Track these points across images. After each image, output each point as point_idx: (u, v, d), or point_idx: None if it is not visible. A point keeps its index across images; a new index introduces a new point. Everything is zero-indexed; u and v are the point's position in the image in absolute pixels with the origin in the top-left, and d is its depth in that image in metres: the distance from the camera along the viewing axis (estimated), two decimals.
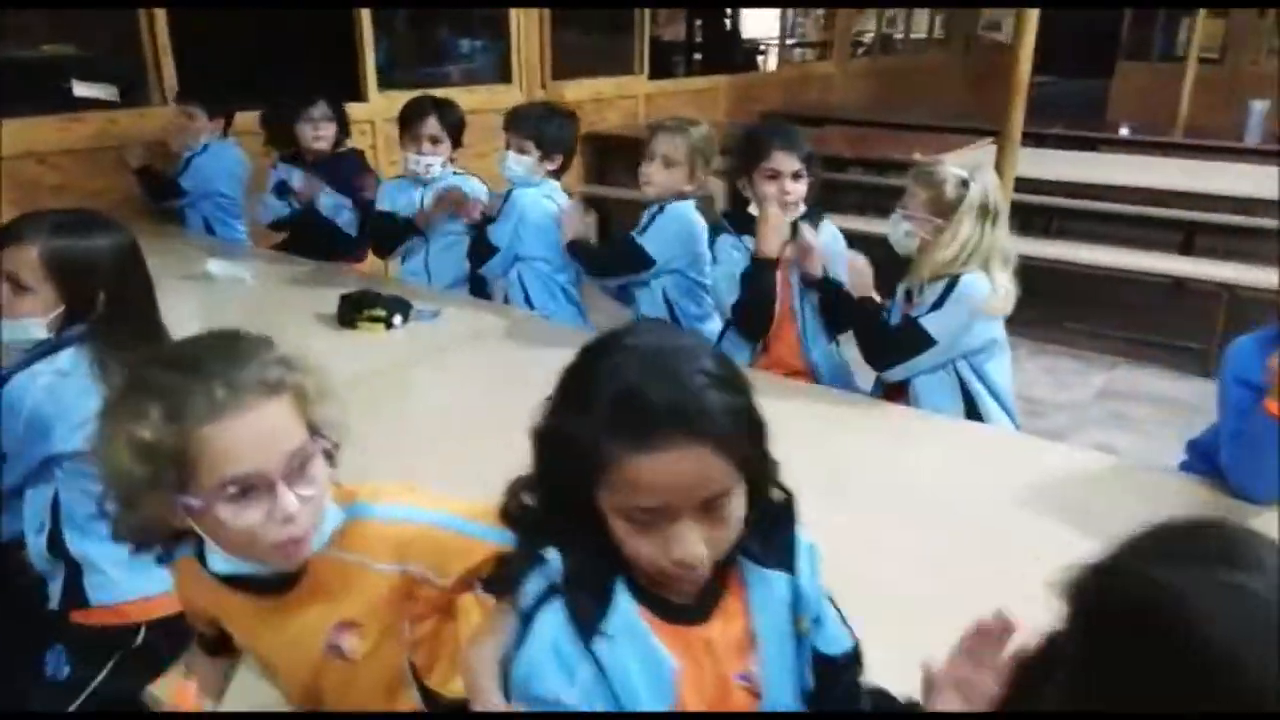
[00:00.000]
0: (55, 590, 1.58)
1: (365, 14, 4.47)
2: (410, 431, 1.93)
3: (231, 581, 1.03)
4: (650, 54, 6.34)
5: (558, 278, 2.85)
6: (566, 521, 0.86)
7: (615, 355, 0.83)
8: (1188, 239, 5.13)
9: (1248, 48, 8.70)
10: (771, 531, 0.90)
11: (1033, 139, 5.75)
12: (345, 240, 3.34)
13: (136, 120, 3.79)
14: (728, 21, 9.45)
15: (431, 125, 2.91)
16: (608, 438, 0.79)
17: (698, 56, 8.28)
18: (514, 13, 5.25)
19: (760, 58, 10.52)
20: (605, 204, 5.36)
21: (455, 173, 3.06)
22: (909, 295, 2.10)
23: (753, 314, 2.22)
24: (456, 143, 3.01)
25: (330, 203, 3.26)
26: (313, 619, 1.05)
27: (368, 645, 1.06)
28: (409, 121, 2.93)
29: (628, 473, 0.78)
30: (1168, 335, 4.36)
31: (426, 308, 2.59)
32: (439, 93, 4.60)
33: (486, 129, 5.00)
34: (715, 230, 2.36)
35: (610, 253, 2.81)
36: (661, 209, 2.55)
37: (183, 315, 1.98)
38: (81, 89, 5.40)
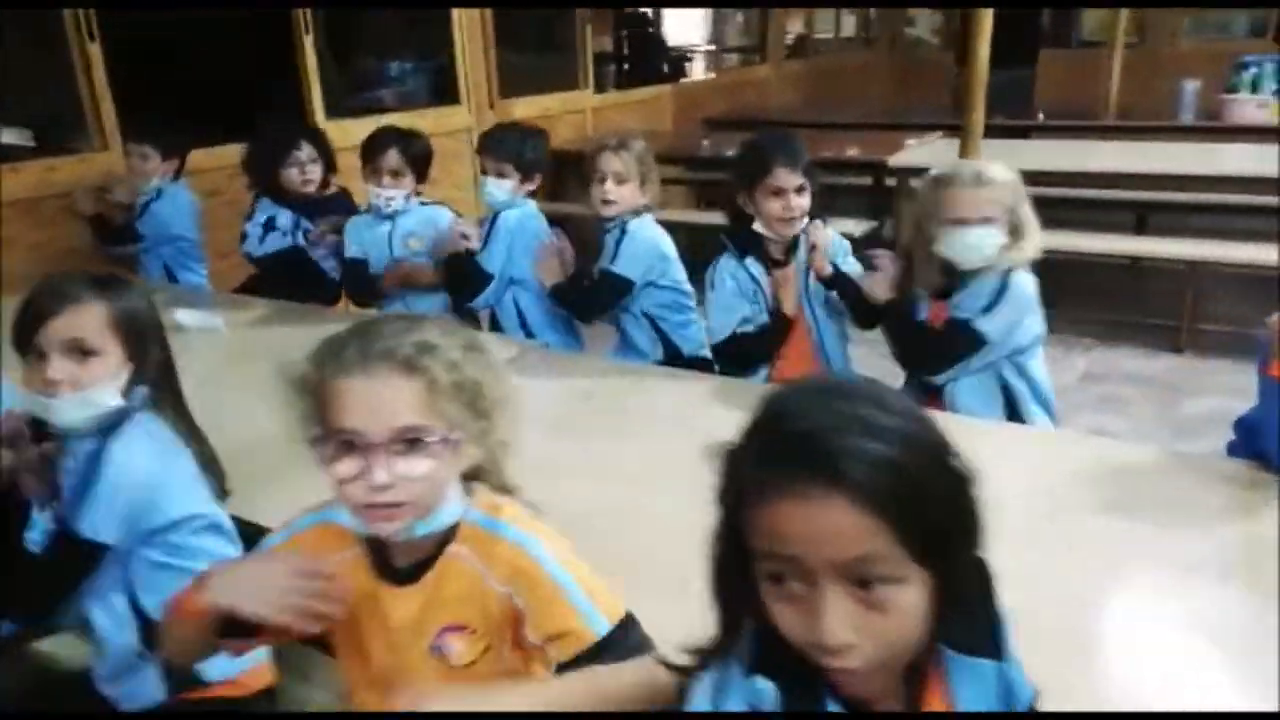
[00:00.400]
0: (144, 683, 1.44)
1: (308, 40, 4.32)
2: None
3: (369, 552, 1.09)
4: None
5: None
6: (733, 592, 0.79)
7: (787, 392, 0.77)
8: (1140, 219, 5.24)
9: (1165, 29, 8.97)
10: (971, 609, 0.78)
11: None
12: (327, 284, 3.21)
13: (76, 166, 3.60)
14: (651, 29, 9.46)
15: (392, 158, 2.83)
16: (747, 468, 0.74)
17: (625, 67, 8.26)
18: (457, 32, 5.13)
19: (688, 64, 10.58)
20: (570, 222, 5.27)
21: (423, 203, 2.97)
22: (939, 295, 2.03)
23: (753, 357, 2.18)
24: (421, 176, 2.93)
25: (324, 250, 3.15)
26: (425, 614, 1.09)
27: (471, 654, 1.09)
28: (370, 154, 2.86)
29: (760, 512, 0.72)
30: (1135, 314, 4.44)
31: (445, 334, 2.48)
32: (390, 119, 4.54)
33: (442, 154, 4.91)
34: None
35: (594, 292, 2.66)
36: (624, 231, 2.50)
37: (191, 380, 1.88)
38: None
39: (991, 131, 6.09)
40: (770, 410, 0.75)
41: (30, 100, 4.20)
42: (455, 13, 5.10)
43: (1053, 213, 5.34)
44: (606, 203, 2.47)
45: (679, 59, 10.43)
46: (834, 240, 2.27)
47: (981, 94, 3.86)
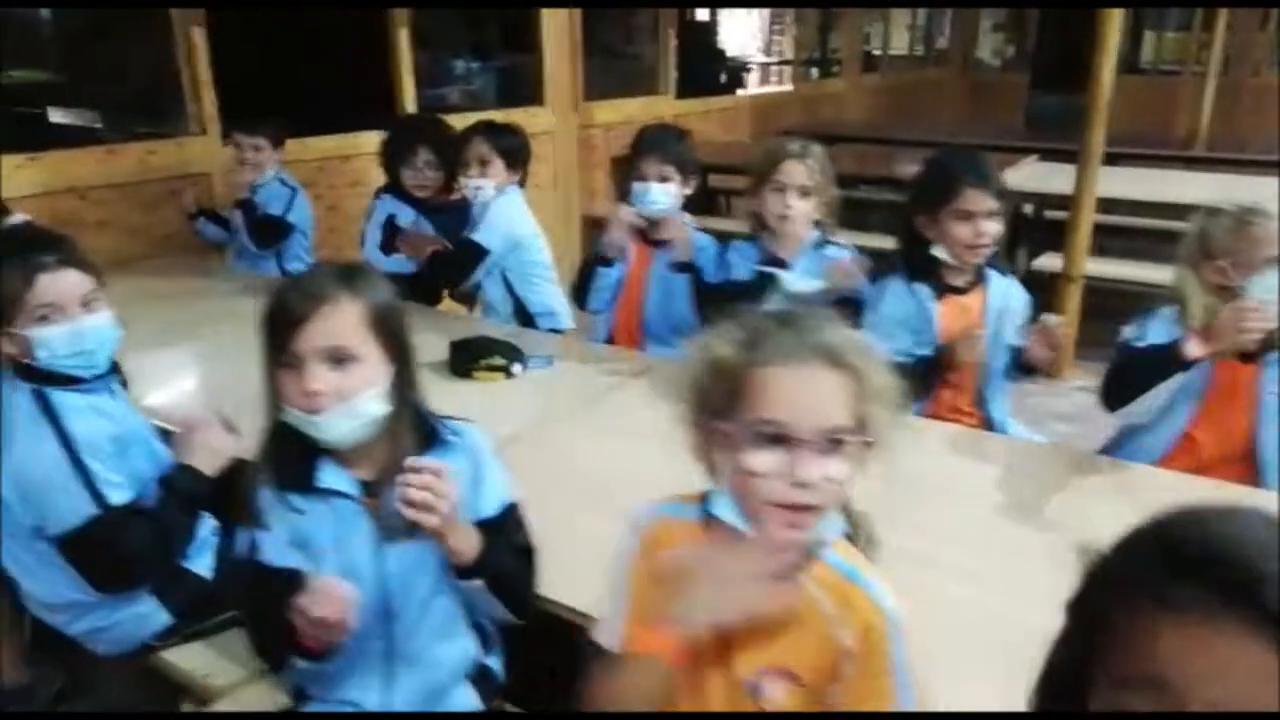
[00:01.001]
0: None
1: (404, 35, 4.27)
2: (581, 500, 1.73)
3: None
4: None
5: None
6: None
7: (1198, 508, 0.63)
8: None
9: (1248, 60, 8.74)
10: None
11: (1050, 155, 5.70)
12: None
13: (175, 150, 3.56)
14: (710, 38, 9.35)
15: (480, 148, 2.80)
16: (1144, 582, 0.60)
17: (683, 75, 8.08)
18: (545, 32, 5.06)
19: (745, 75, 10.47)
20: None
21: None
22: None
23: (931, 377, 2.03)
24: (513, 168, 2.87)
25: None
26: (753, 644, 1.01)
27: (788, 705, 1.01)
28: (461, 145, 2.83)
29: (1142, 632, 0.59)
30: None
31: (539, 353, 2.39)
32: (476, 117, 4.48)
33: None
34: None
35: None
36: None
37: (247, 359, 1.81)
38: (58, 115, 5.19)
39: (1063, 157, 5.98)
40: (1179, 523, 0.63)
41: (130, 82, 4.21)
42: (544, 12, 5.03)
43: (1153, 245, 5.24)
44: (784, 218, 2.27)
45: (737, 70, 10.36)
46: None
47: (1103, 115, 3.73)
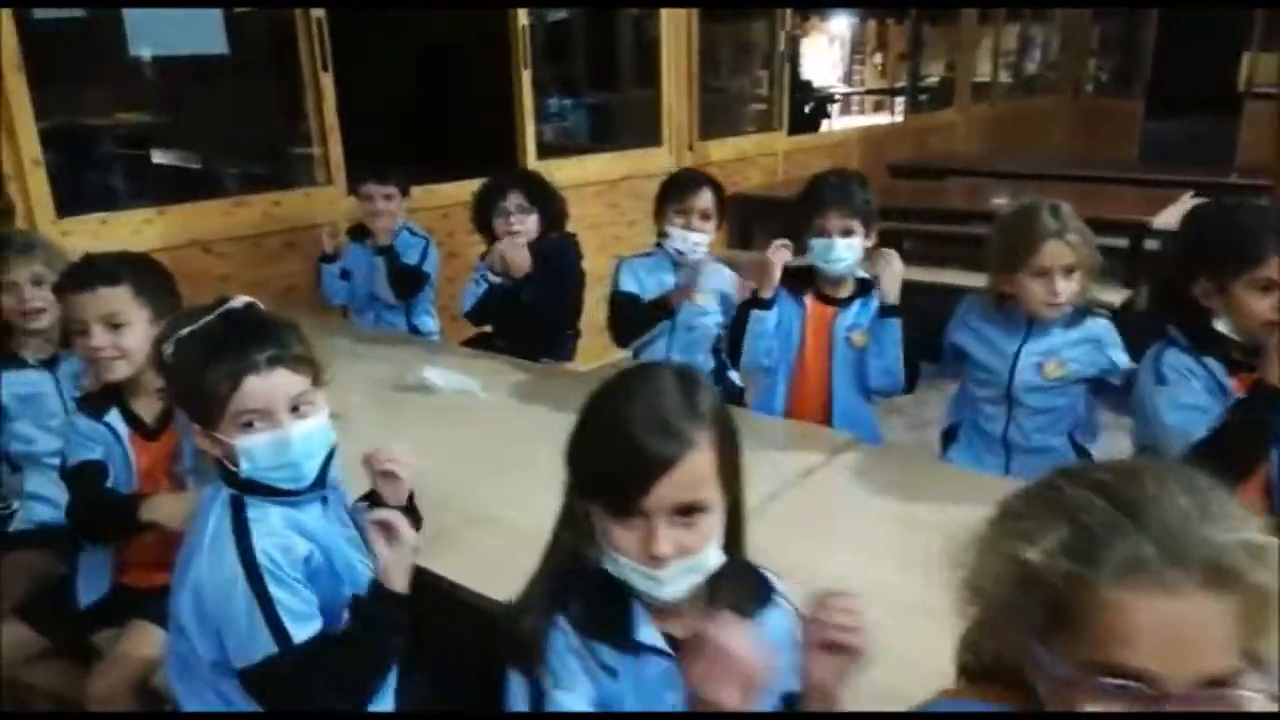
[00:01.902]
0: None
1: (526, 77, 4.10)
2: None
3: None
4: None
5: None
6: None
7: None
8: None
9: None
10: None
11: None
12: (557, 338, 2.92)
13: (301, 201, 3.42)
14: (794, 68, 9.09)
15: (705, 199, 2.55)
16: None
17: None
18: (665, 68, 4.86)
19: (831, 105, 10.18)
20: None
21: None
22: None
23: (1240, 450, 1.69)
24: (721, 220, 2.66)
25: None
26: None
27: None
28: (681, 193, 2.58)
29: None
30: None
31: None
32: (594, 160, 4.30)
33: (636, 195, 4.65)
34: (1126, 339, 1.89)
35: None
36: None
37: (416, 442, 1.60)
38: (160, 157, 5.17)
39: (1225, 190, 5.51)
40: None
41: (256, 132, 4.14)
42: (665, 44, 4.83)
43: None
44: (1052, 305, 1.93)
45: (821, 101, 10.07)
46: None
47: None
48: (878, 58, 11.69)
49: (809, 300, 2.34)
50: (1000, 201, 5.24)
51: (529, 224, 2.89)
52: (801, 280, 2.34)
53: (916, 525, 1.67)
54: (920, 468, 2.04)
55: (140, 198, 4.12)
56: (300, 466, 1.34)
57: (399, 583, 1.36)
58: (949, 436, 2.19)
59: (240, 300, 1.37)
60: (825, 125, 8.95)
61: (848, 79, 11.52)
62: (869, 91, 11.11)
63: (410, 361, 2.71)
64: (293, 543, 1.35)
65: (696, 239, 2.55)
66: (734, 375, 2.71)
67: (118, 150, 4.71)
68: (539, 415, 2.34)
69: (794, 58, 8.59)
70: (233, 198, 3.30)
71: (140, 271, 1.75)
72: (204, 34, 3.14)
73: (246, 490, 1.33)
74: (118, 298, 1.69)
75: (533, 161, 4.17)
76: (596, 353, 3.35)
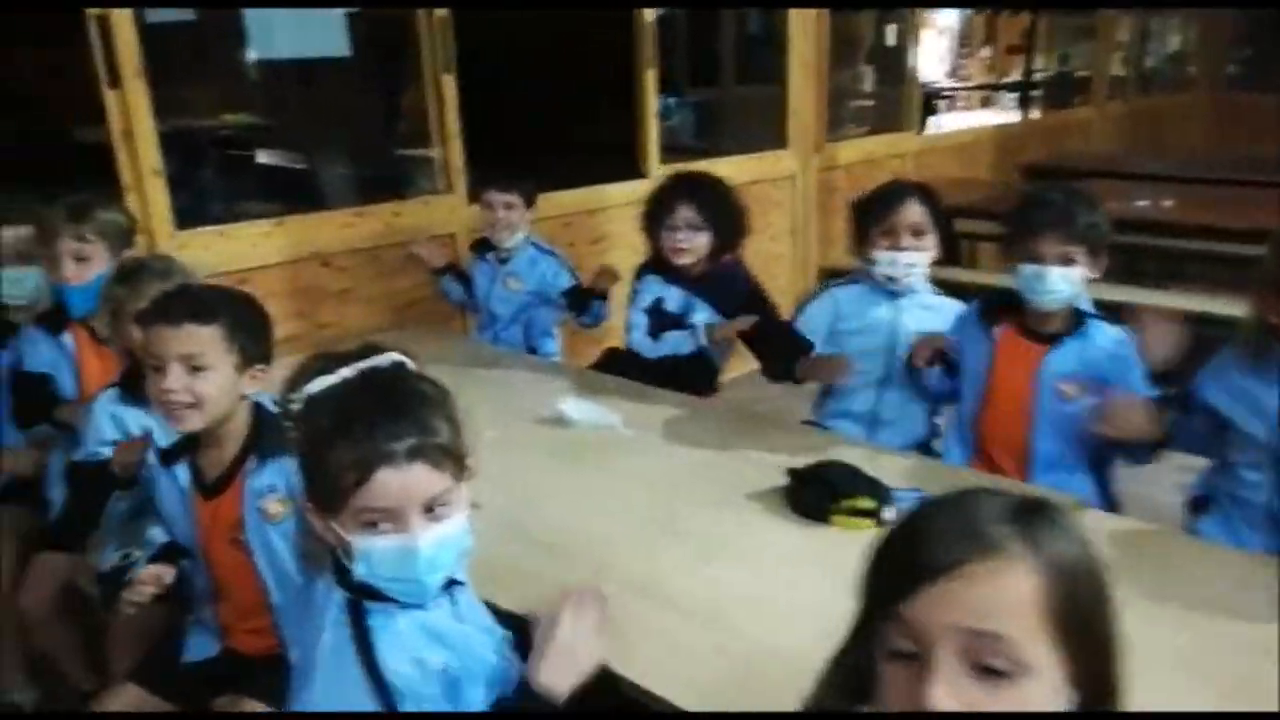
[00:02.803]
0: None
1: (650, 77, 3.86)
2: None
3: None
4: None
5: None
6: None
7: None
8: None
9: None
10: None
11: None
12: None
13: (421, 211, 3.26)
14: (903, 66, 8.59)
15: (914, 212, 2.18)
16: None
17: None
18: (791, 67, 4.56)
19: (940, 102, 9.65)
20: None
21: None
22: None
23: None
24: (941, 237, 2.27)
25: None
26: None
27: None
28: (884, 207, 2.20)
29: None
30: None
31: (906, 488, 1.84)
32: (718, 165, 4.03)
33: (763, 201, 4.38)
34: None
35: None
36: None
37: (559, 486, 1.46)
38: (264, 157, 5.13)
39: None
40: None
41: (365, 133, 4.02)
42: (792, 41, 4.53)
43: None
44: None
45: (930, 98, 9.55)
46: None
47: None
48: (986, 51, 11.13)
49: (1002, 332, 2.04)
50: (1142, 204, 4.81)
51: (698, 243, 2.55)
52: (999, 307, 2.04)
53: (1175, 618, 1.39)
54: (1162, 542, 1.72)
55: (247, 200, 4.08)
56: (424, 582, 1.11)
57: (560, 679, 1.11)
58: (1198, 505, 1.85)
59: (387, 358, 1.15)
60: (932, 123, 8.51)
61: (954, 73, 10.97)
62: (978, 87, 10.56)
63: (542, 390, 2.50)
64: (426, 654, 1.14)
65: (909, 260, 2.19)
66: None
67: (224, 152, 4.69)
68: (690, 457, 2.09)
69: (901, 52, 8.17)
70: (352, 208, 3.14)
71: (237, 312, 1.54)
72: (326, 37, 3.00)
73: (364, 594, 1.12)
74: (204, 338, 1.48)
75: (656, 166, 3.94)
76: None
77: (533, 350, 3.01)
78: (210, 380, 1.49)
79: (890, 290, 2.26)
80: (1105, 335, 1.97)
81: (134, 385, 1.88)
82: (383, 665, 1.10)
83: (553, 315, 3.02)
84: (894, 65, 7.70)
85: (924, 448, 2.32)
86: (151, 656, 1.79)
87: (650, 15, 3.76)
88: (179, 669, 1.72)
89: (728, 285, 2.60)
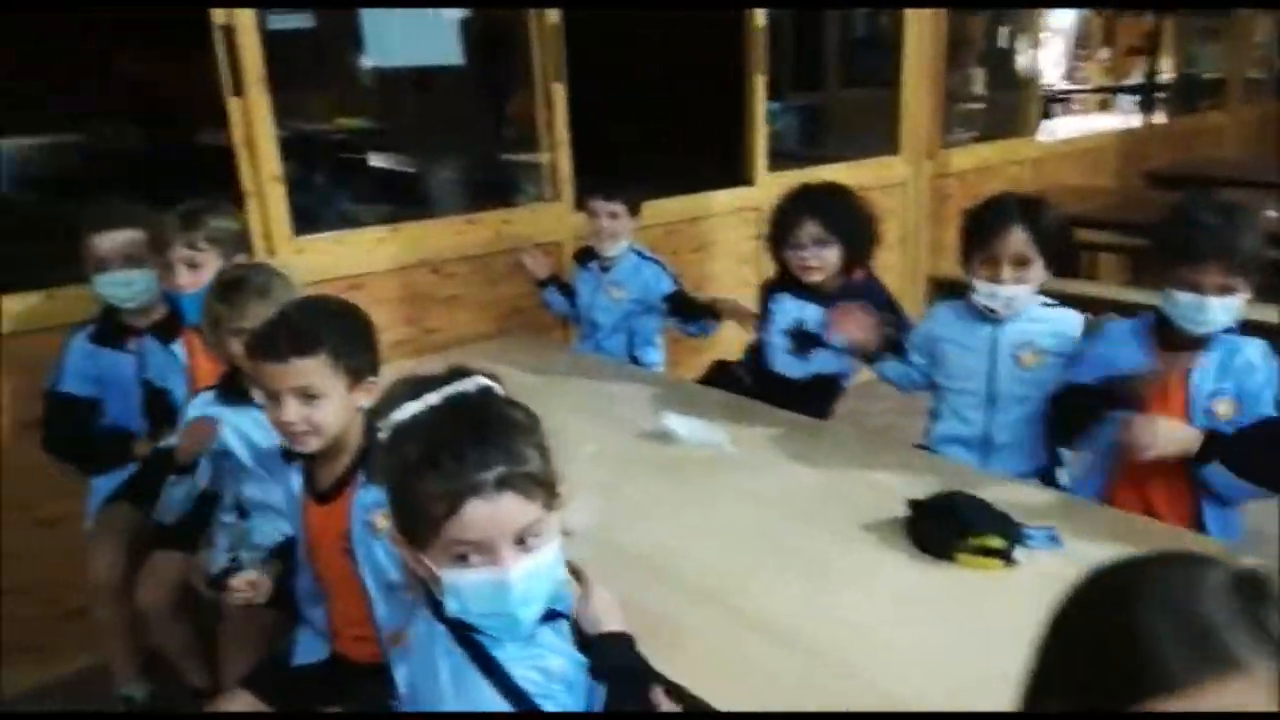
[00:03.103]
0: None
1: (760, 82, 3.77)
2: None
3: None
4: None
5: None
6: None
7: None
8: None
9: None
10: None
11: None
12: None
13: (529, 218, 3.25)
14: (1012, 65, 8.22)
15: (1017, 240, 2.00)
16: None
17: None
18: (906, 68, 4.41)
19: (1056, 105, 9.22)
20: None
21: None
22: None
23: None
24: (1050, 260, 2.06)
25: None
26: None
27: None
28: (981, 234, 2.04)
29: None
30: None
31: (1037, 526, 1.72)
32: (827, 171, 3.92)
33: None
34: None
35: None
36: None
37: (660, 504, 1.51)
38: (377, 160, 5.23)
39: None
40: None
41: (474, 139, 4.06)
42: (909, 42, 4.38)
43: None
44: None
45: (1047, 100, 9.12)
46: None
47: None
48: (1105, 52, 10.64)
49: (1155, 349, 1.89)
50: (1273, 215, 4.48)
51: (828, 259, 2.45)
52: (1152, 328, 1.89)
53: None
54: None
55: (359, 203, 4.17)
56: (518, 616, 1.07)
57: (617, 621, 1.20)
58: None
59: (473, 383, 1.12)
60: (1046, 126, 8.14)
61: (1069, 75, 10.51)
62: (1098, 90, 10.09)
63: (645, 402, 2.46)
64: (548, 661, 1.12)
65: (1009, 293, 2.03)
66: None
67: (339, 156, 4.81)
68: (800, 481, 2.01)
69: (1012, 54, 7.86)
70: (463, 216, 3.16)
71: (340, 333, 1.54)
72: (441, 45, 3.02)
73: (462, 629, 1.09)
74: (312, 369, 1.50)
75: (763, 174, 3.85)
76: None
77: (635, 360, 2.97)
78: (323, 408, 1.51)
79: (993, 317, 2.13)
80: (1249, 347, 1.81)
81: (232, 387, 1.93)
82: (513, 675, 1.08)
83: (655, 324, 2.98)
84: (1005, 67, 7.43)
85: (1046, 477, 2.18)
86: (264, 660, 1.81)
87: (762, 19, 3.68)
88: (289, 673, 1.73)
89: (864, 300, 2.48)
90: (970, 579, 1.59)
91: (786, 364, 2.56)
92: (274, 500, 1.82)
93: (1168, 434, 1.74)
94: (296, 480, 1.65)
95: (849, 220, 2.46)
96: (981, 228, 2.06)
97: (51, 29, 3.57)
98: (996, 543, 1.62)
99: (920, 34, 4.38)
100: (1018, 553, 1.62)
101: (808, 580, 1.59)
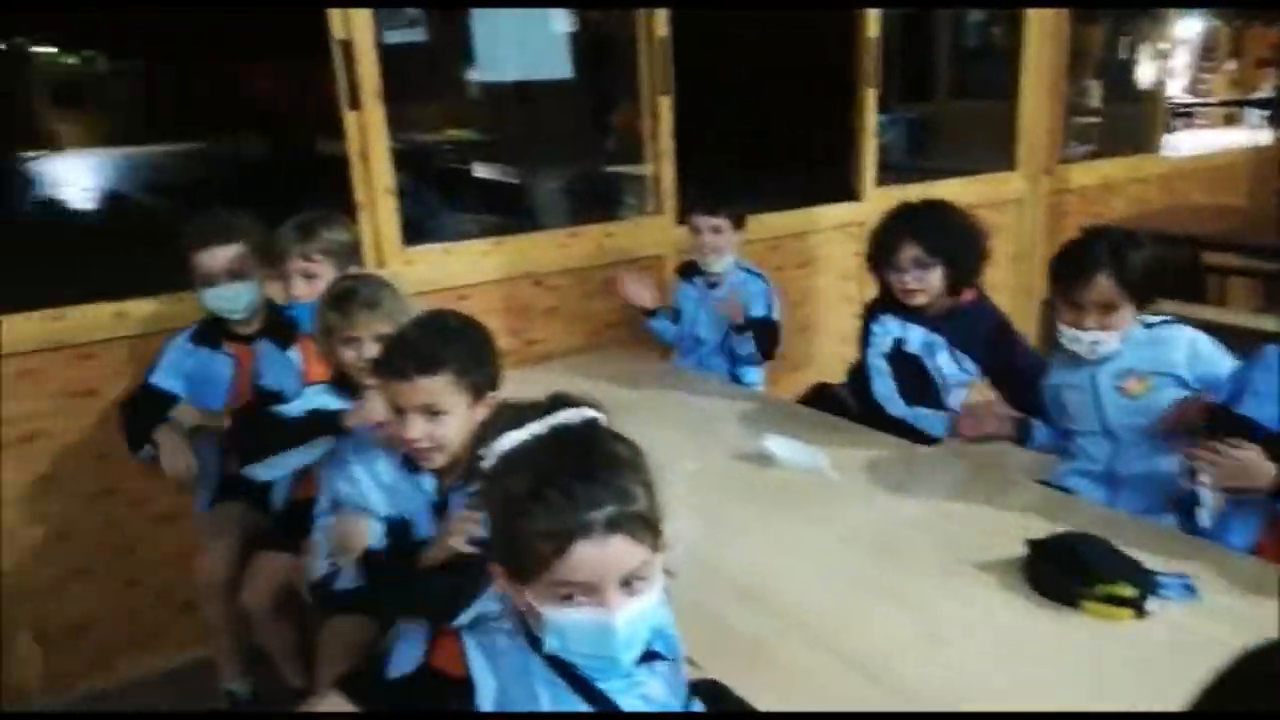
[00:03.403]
0: None
1: (871, 96, 3.68)
2: None
3: None
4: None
5: None
6: None
7: None
8: None
9: None
10: None
11: None
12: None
13: (631, 232, 3.24)
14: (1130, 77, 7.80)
15: (1102, 289, 1.92)
16: None
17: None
18: (1026, 79, 4.24)
19: (1177, 120, 8.73)
20: None
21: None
22: None
23: None
24: (1140, 300, 1.97)
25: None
26: None
27: None
28: (1066, 278, 1.96)
29: None
30: None
31: (1170, 574, 1.59)
32: (938, 187, 3.80)
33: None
34: None
35: None
36: None
37: (757, 530, 1.50)
38: (483, 171, 5.32)
39: None
40: None
41: (578, 149, 4.09)
42: (1028, 50, 4.21)
43: None
44: None
45: (1171, 114, 8.65)
46: None
47: None
48: (1231, 64, 10.08)
49: None
50: None
51: (931, 282, 2.36)
52: None
53: None
54: None
55: (465, 212, 4.24)
56: (619, 659, 1.04)
57: None
58: None
59: (577, 413, 1.08)
60: (1168, 141, 7.74)
61: (1191, 88, 9.99)
62: (1225, 103, 9.55)
63: (744, 422, 2.41)
64: (649, 689, 1.12)
65: (1092, 340, 1.96)
66: None
67: (447, 167, 4.92)
68: (907, 512, 1.92)
69: (1131, 65, 7.50)
70: (566, 229, 3.17)
71: (462, 351, 1.56)
72: (551, 59, 3.03)
73: (558, 664, 1.07)
74: (436, 388, 1.53)
75: (870, 189, 3.75)
76: None
77: (736, 379, 2.92)
78: (447, 424, 1.55)
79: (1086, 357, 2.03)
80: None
81: (341, 384, 2.00)
82: (616, 700, 1.07)
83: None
84: (1124, 79, 7.10)
85: (1182, 517, 2.04)
86: (360, 664, 1.82)
87: (875, 28, 3.59)
88: (383, 682, 1.74)
89: (972, 323, 2.40)
90: (1095, 629, 1.48)
91: (888, 398, 2.49)
92: (372, 503, 1.84)
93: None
94: (429, 484, 1.68)
95: (952, 241, 2.37)
96: (1066, 272, 1.98)
97: (183, 45, 3.74)
98: (1127, 591, 1.51)
99: (1040, 43, 4.21)
100: (1151, 604, 1.51)
101: (912, 620, 1.52)
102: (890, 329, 2.47)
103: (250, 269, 2.28)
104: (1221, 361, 1.94)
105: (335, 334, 1.93)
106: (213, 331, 2.33)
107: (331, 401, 1.97)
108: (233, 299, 2.27)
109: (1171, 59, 9.69)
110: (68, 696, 2.49)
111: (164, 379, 2.31)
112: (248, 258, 2.27)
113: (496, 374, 1.64)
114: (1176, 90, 9.66)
